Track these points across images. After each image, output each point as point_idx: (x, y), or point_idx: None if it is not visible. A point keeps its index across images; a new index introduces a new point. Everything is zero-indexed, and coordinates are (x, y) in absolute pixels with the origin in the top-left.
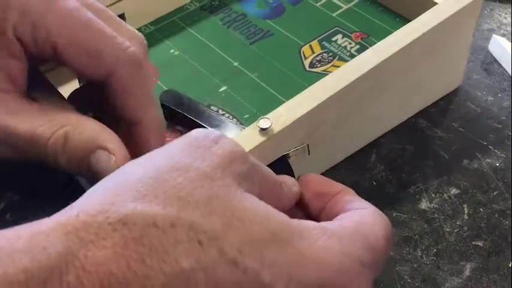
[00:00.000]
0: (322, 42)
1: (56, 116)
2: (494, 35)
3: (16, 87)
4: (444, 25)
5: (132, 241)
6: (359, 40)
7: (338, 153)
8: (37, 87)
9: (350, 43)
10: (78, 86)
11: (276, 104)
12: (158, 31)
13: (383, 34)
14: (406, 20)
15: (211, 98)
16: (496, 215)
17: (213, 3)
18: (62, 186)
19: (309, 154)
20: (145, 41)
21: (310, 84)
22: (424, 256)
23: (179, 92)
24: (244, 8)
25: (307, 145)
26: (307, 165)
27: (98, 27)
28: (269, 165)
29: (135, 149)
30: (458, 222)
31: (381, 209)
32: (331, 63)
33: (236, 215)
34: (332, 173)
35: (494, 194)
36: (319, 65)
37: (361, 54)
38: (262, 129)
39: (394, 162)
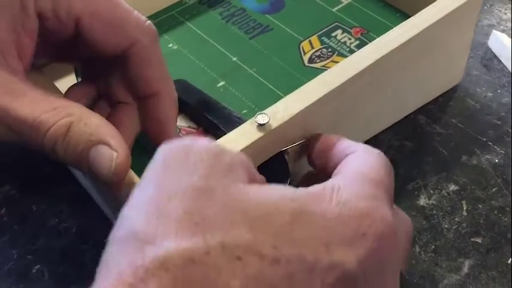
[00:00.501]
0: (322, 38)
1: (61, 104)
2: (494, 31)
3: (23, 67)
4: (445, 21)
5: (181, 283)
6: (359, 36)
7: None
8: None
9: (350, 39)
10: (75, 80)
11: (274, 99)
12: (157, 25)
13: (383, 30)
14: (406, 16)
15: (210, 92)
16: (495, 212)
17: None
18: (58, 181)
19: None
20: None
21: (309, 80)
22: (422, 253)
23: (189, 82)
24: (243, 2)
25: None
26: (306, 161)
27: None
28: (265, 161)
29: (151, 123)
30: (456, 219)
31: None
32: (331, 59)
33: (253, 214)
34: None
35: (493, 190)
36: (318, 61)
37: (361, 49)
38: (260, 125)
39: (393, 159)
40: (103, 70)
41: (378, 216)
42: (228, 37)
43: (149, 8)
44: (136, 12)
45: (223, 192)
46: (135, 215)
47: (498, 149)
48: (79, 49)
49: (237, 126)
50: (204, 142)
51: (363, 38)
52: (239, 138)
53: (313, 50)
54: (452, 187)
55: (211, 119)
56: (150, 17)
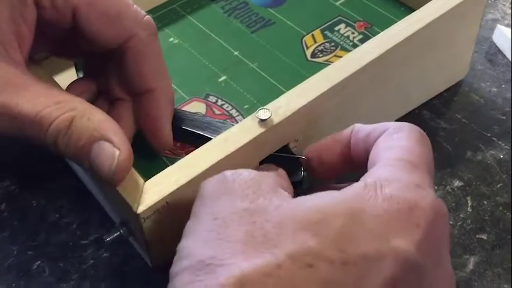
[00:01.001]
0: (325, 32)
1: (64, 99)
2: (498, 25)
3: (23, 59)
4: (449, 15)
5: None
6: (362, 30)
7: None
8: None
9: (353, 33)
10: (75, 75)
11: (276, 94)
12: (158, 19)
13: (387, 24)
14: (410, 10)
15: (211, 87)
16: (500, 208)
17: None
18: (58, 176)
19: None
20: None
21: (311, 75)
22: None
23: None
24: None
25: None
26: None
27: None
28: (273, 156)
29: (145, 120)
30: (461, 215)
31: None
32: (334, 53)
33: (310, 222)
34: None
35: (498, 186)
36: (321, 55)
37: (364, 44)
38: (262, 120)
39: None
40: (102, 65)
41: (427, 205)
42: (230, 31)
43: (151, 1)
44: (135, 6)
45: (276, 208)
46: (196, 245)
47: (503, 144)
48: (78, 43)
49: (220, 131)
50: (245, 173)
51: (366, 32)
52: (241, 134)
53: (316, 45)
54: (457, 183)
55: (196, 132)
56: (151, 11)
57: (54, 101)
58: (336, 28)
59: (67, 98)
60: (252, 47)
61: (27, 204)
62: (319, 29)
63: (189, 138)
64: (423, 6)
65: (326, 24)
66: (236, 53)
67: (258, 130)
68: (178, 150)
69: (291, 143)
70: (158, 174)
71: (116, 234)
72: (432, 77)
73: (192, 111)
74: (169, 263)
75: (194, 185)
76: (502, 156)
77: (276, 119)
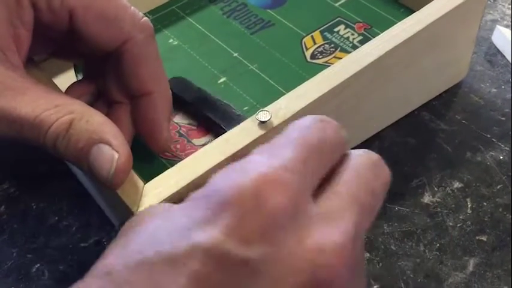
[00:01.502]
0: (324, 33)
1: (63, 102)
2: (497, 26)
3: (22, 62)
4: (449, 16)
5: None
6: (362, 31)
7: None
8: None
9: (353, 34)
10: (74, 76)
11: (276, 95)
12: (157, 20)
13: (386, 25)
14: (410, 11)
15: (210, 89)
16: (500, 209)
17: None
18: (57, 179)
19: None
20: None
21: (311, 76)
22: (427, 251)
23: (188, 79)
24: None
25: None
26: None
27: None
28: None
29: (143, 123)
30: (461, 217)
31: (383, 203)
32: (333, 55)
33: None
34: None
35: (498, 187)
36: (320, 57)
37: (364, 45)
38: (262, 122)
39: (396, 156)
40: (100, 67)
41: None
42: (229, 32)
43: (150, 2)
44: (133, 8)
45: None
46: None
47: (502, 145)
48: (76, 45)
49: (235, 123)
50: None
51: (366, 33)
52: (240, 136)
53: (316, 46)
54: (457, 184)
55: (209, 116)
56: (150, 12)
57: (53, 104)
58: (336, 29)
59: (66, 101)
60: (252, 49)
61: (27, 207)
62: (318, 30)
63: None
64: (423, 8)
65: (325, 26)
66: (235, 54)
67: (258, 132)
68: (179, 152)
69: None
70: (158, 177)
71: None
72: (432, 78)
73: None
74: None
75: (194, 188)
76: (501, 158)
77: (276, 121)
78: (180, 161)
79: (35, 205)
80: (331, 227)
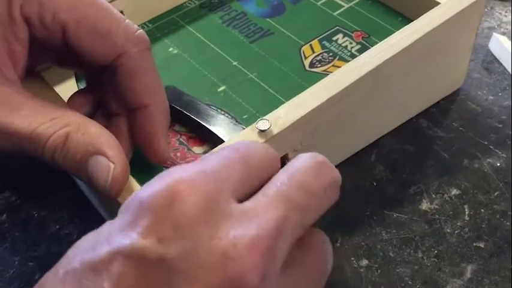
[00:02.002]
0: (323, 42)
1: (59, 114)
2: (494, 34)
3: (18, 76)
4: (447, 25)
5: None
6: (360, 40)
7: (337, 155)
8: (34, 85)
9: (351, 43)
10: (75, 85)
11: (275, 104)
12: (157, 29)
13: (384, 34)
14: (408, 20)
15: (210, 97)
16: (497, 216)
17: (212, 1)
18: (58, 187)
19: None
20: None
21: (310, 84)
22: (424, 257)
23: (179, 88)
24: (244, 6)
25: None
26: None
27: (106, 6)
28: None
29: (140, 135)
30: (459, 223)
31: (381, 210)
32: (332, 63)
33: None
34: None
35: (495, 194)
36: (319, 65)
37: (362, 54)
38: (261, 131)
39: (394, 163)
40: (99, 79)
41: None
42: (229, 41)
43: (150, 12)
44: (127, 21)
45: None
46: None
47: (500, 152)
48: (73, 56)
49: (230, 131)
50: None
51: (364, 42)
52: None
53: (314, 55)
54: (454, 191)
55: (204, 124)
56: (150, 21)
57: (49, 117)
58: (334, 38)
59: (62, 114)
60: (251, 57)
61: (28, 215)
62: (317, 39)
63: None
64: (420, 17)
65: (324, 34)
66: (235, 63)
67: (258, 140)
68: (179, 160)
69: (290, 153)
70: None
71: None
72: (430, 86)
73: None
74: None
75: None
76: (498, 164)
77: (276, 130)
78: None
79: (37, 213)
80: (250, 222)
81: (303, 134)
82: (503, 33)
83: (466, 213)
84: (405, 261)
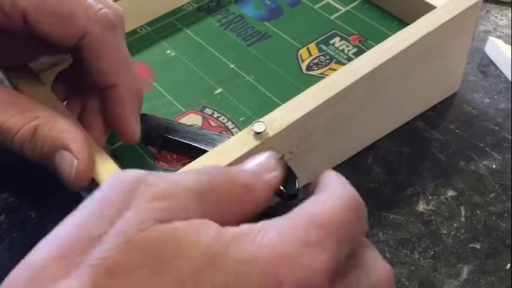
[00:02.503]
0: (320, 45)
1: (30, 108)
2: (490, 37)
3: None
4: (443, 29)
5: None
6: (357, 43)
7: (334, 157)
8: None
9: (348, 46)
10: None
11: (272, 106)
12: (155, 32)
13: (381, 37)
14: (404, 24)
15: (207, 100)
16: (493, 218)
17: (210, 4)
18: (56, 188)
19: None
20: (122, 12)
21: (306, 87)
22: (421, 259)
23: (155, 115)
24: (241, 9)
25: None
26: (302, 169)
27: None
28: None
29: (110, 115)
30: (455, 225)
31: (378, 211)
32: (328, 67)
33: (157, 258)
34: None
35: (491, 196)
36: (316, 68)
37: (359, 57)
38: (257, 133)
39: (391, 165)
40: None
41: (299, 263)
42: (226, 44)
43: (148, 14)
44: (88, 1)
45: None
46: None
47: (496, 154)
48: (40, 43)
49: (217, 143)
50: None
51: (360, 45)
52: (236, 146)
53: (311, 58)
54: (451, 193)
55: (188, 143)
56: (148, 24)
57: (20, 110)
58: (331, 41)
59: (33, 107)
60: (248, 60)
61: (26, 216)
62: (314, 43)
63: (184, 150)
64: (417, 20)
65: (321, 38)
66: (232, 65)
67: (253, 143)
68: (175, 162)
69: (286, 155)
70: None
71: None
72: (426, 90)
73: (188, 123)
74: None
75: None
76: (494, 167)
77: (271, 132)
78: (176, 170)
79: (34, 214)
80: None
81: (298, 137)
82: (499, 37)
83: (462, 214)
84: (402, 262)
